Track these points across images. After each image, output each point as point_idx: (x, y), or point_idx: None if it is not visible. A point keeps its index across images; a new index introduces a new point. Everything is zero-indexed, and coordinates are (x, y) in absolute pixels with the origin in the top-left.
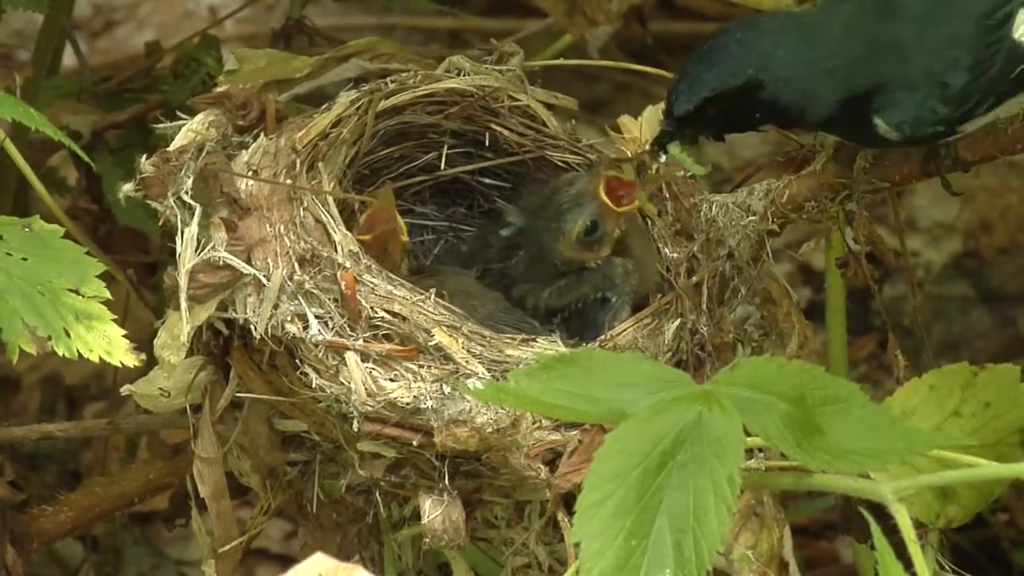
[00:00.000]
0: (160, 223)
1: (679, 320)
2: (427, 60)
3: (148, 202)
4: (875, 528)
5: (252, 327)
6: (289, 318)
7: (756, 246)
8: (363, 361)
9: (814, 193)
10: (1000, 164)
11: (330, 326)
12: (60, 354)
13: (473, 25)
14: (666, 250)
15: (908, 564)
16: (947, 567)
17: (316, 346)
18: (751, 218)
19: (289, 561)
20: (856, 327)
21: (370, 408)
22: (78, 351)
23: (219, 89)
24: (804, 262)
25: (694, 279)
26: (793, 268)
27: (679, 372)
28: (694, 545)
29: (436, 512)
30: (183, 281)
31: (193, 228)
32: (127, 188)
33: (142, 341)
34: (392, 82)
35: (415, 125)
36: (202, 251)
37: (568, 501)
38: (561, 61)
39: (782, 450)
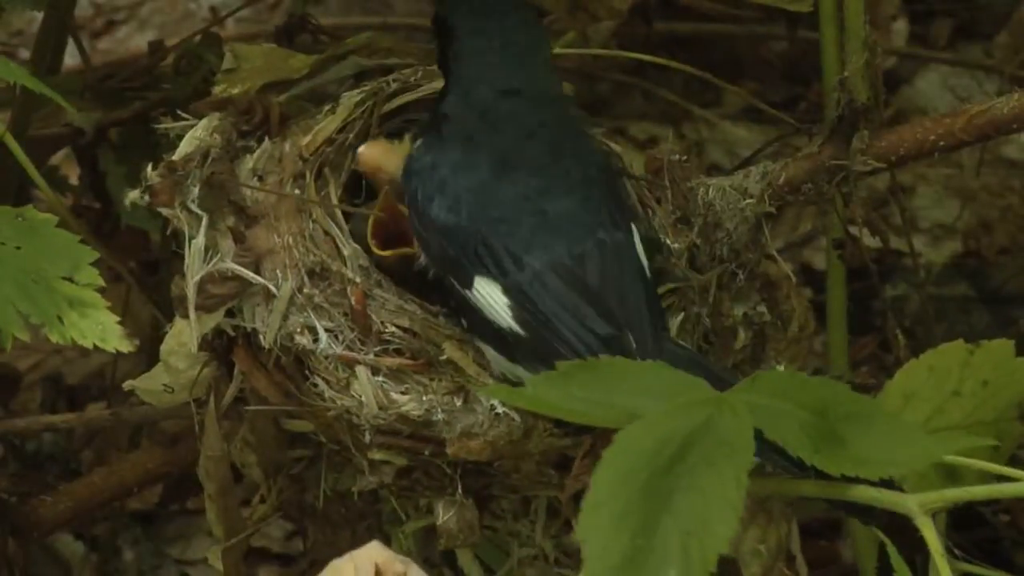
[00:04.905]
0: (168, 232)
1: (682, 314)
2: (427, 51)
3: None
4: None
5: (261, 336)
6: (299, 330)
7: (754, 229)
8: (374, 374)
9: (811, 175)
10: (1000, 164)
11: (340, 340)
12: (54, 341)
13: None
14: (668, 240)
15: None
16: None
17: (327, 359)
18: (748, 201)
19: (290, 561)
20: (856, 327)
21: (382, 421)
22: (72, 338)
23: (217, 89)
24: (804, 262)
25: (706, 276)
26: (793, 268)
27: (698, 379)
28: (700, 547)
29: (450, 513)
30: (191, 292)
31: (200, 239)
32: (133, 196)
33: (142, 339)
34: (394, 81)
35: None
36: (210, 261)
37: (578, 498)
38: (562, 50)
39: (800, 456)
